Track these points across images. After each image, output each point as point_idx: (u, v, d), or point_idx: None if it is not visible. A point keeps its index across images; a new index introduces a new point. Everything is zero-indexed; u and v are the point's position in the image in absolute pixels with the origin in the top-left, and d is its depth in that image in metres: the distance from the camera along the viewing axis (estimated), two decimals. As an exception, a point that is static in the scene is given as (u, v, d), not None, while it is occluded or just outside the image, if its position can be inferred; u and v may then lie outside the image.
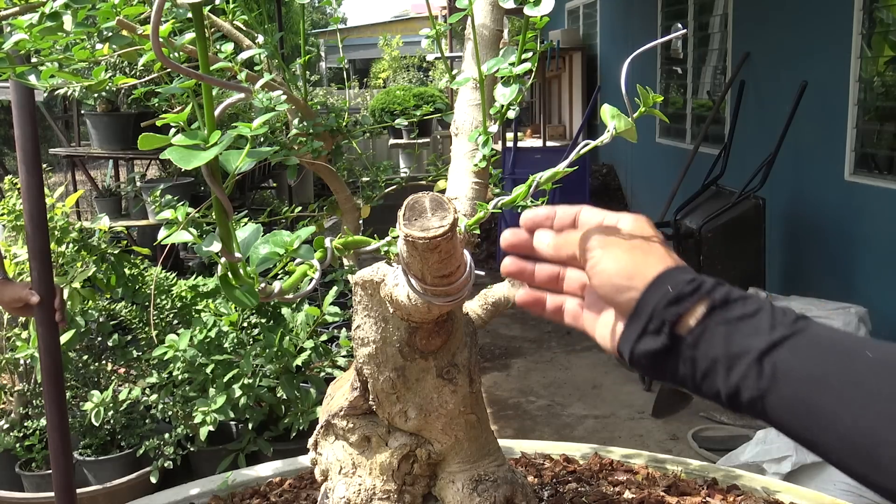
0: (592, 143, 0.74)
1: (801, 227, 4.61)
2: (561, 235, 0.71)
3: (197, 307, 3.03)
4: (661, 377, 0.64)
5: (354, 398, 1.01)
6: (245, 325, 2.91)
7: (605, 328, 0.69)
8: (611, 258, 0.65)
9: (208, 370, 2.68)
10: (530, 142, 8.90)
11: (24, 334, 2.85)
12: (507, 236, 0.73)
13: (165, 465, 2.80)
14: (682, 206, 4.67)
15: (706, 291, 0.61)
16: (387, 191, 1.55)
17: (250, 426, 2.89)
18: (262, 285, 0.70)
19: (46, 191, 2.05)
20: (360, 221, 1.48)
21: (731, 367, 0.59)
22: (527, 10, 0.75)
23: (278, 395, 2.77)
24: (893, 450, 0.53)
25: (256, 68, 1.29)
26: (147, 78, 1.33)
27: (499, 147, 6.70)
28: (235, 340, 2.83)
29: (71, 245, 2.85)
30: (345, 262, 1.43)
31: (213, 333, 2.71)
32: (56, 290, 1.96)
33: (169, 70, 1.10)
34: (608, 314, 0.68)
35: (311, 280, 0.74)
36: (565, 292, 0.73)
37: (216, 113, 0.58)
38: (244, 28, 1.28)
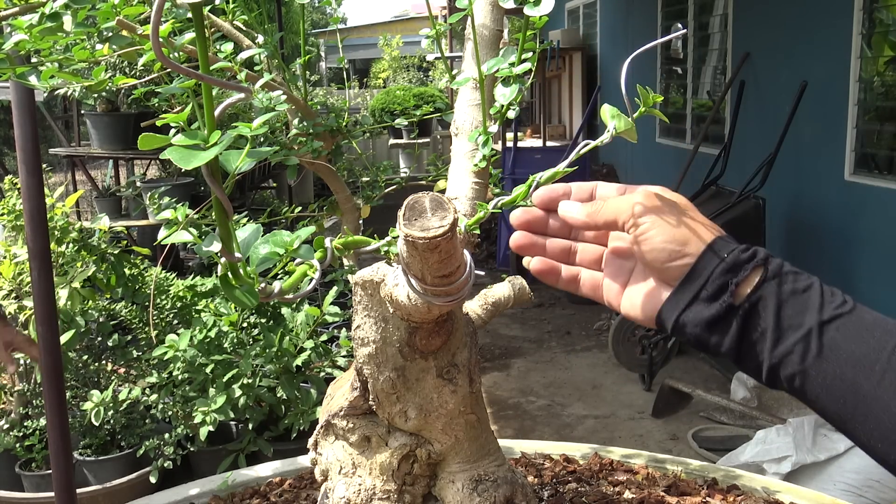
0: (592, 143, 0.74)
1: (801, 227, 4.62)
2: (595, 203, 0.70)
3: (197, 307, 3.03)
4: (703, 346, 0.64)
5: (354, 398, 1.01)
6: (245, 325, 2.91)
7: (636, 297, 0.69)
8: (664, 225, 0.66)
9: (208, 370, 2.68)
10: (530, 142, 8.90)
11: (24, 334, 2.85)
12: (519, 214, 0.74)
13: (165, 465, 2.80)
14: (682, 206, 4.66)
15: (761, 260, 0.62)
16: (387, 191, 1.55)
17: (250, 426, 2.89)
18: (262, 285, 0.70)
19: (46, 191, 2.05)
20: (360, 221, 1.48)
21: (779, 340, 0.60)
22: (527, 10, 0.75)
23: (278, 395, 2.77)
24: None
25: (256, 68, 1.29)
26: (147, 78, 1.33)
27: (499, 147, 6.70)
28: (235, 340, 2.83)
29: (71, 245, 2.85)
30: (345, 262, 1.43)
31: (213, 333, 2.71)
32: (10, 333, 1.93)
33: (169, 70, 1.10)
34: (639, 284, 0.69)
35: (311, 280, 0.74)
36: (578, 264, 0.74)
37: (216, 113, 0.58)
38: (244, 28, 1.28)
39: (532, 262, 0.75)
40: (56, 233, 2.82)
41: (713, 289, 0.63)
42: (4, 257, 2.89)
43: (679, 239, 0.65)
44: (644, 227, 0.66)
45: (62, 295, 2.73)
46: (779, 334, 0.60)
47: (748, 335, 0.62)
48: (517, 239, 0.74)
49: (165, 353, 2.61)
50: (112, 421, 2.88)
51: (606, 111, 0.73)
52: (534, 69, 0.85)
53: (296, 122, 1.31)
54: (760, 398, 3.83)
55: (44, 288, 1.91)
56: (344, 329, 3.25)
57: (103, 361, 3.08)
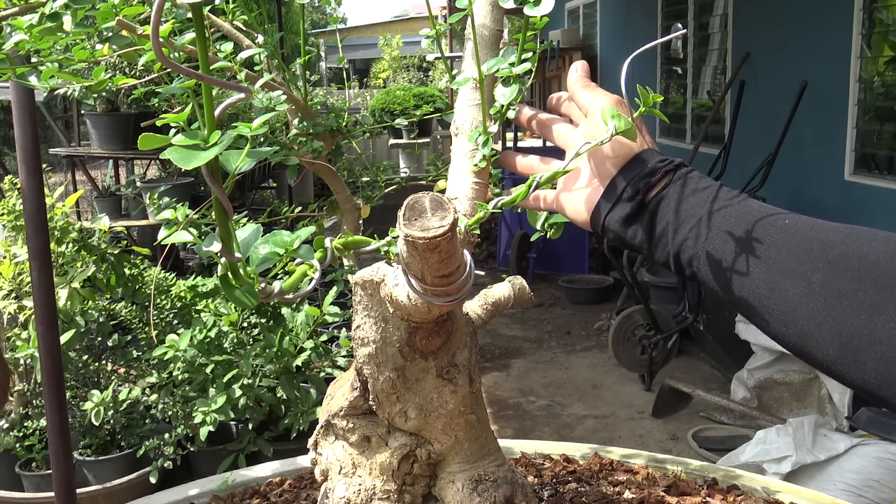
0: (593, 144, 0.74)
1: (801, 227, 4.61)
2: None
3: (197, 307, 3.03)
4: (627, 244, 0.74)
5: (354, 398, 1.01)
6: (245, 325, 2.91)
7: (579, 200, 0.78)
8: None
9: (208, 370, 2.68)
10: (530, 142, 8.90)
11: (24, 334, 2.85)
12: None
13: (165, 465, 2.80)
14: (682, 206, 4.66)
15: (672, 168, 0.72)
16: (387, 191, 1.55)
17: (250, 426, 2.89)
18: (262, 285, 0.70)
19: (46, 191, 2.05)
20: (360, 221, 1.48)
21: (678, 229, 0.69)
22: (527, 10, 0.75)
23: (278, 396, 2.77)
24: (785, 299, 0.62)
25: (256, 68, 1.29)
26: (147, 78, 1.33)
27: (499, 147, 6.70)
28: (235, 340, 2.83)
29: (71, 245, 2.85)
30: (345, 262, 1.43)
31: (213, 333, 2.71)
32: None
33: (169, 70, 1.10)
34: (580, 190, 0.79)
35: (311, 280, 0.74)
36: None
37: (216, 113, 0.58)
38: (244, 28, 1.28)
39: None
40: (56, 233, 2.82)
41: (632, 190, 0.72)
42: (4, 257, 2.89)
43: (624, 141, 0.74)
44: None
45: (62, 295, 2.73)
46: (677, 224, 0.69)
47: (655, 228, 0.71)
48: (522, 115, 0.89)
49: (165, 353, 2.61)
50: (112, 421, 2.88)
51: (606, 111, 0.73)
52: (534, 69, 0.85)
53: (296, 122, 1.31)
54: (760, 398, 3.83)
55: (44, 288, 1.91)
56: (344, 329, 3.25)
57: (103, 361, 3.08)
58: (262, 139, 1.26)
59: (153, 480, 2.82)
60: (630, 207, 0.72)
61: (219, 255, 0.66)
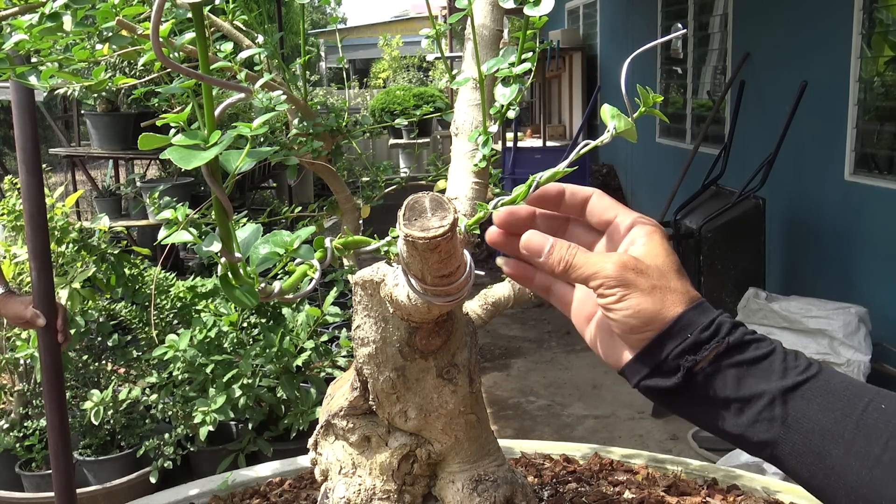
0: (592, 143, 0.74)
1: (801, 227, 4.62)
2: (563, 255, 0.66)
3: (197, 307, 3.03)
4: (669, 409, 0.64)
5: (354, 398, 1.01)
6: (245, 325, 2.91)
7: (600, 336, 0.68)
8: (631, 300, 0.63)
9: (208, 370, 2.68)
10: (530, 142, 8.90)
11: (24, 334, 2.85)
12: (501, 213, 0.71)
13: (165, 465, 2.80)
14: (682, 206, 4.67)
15: (723, 336, 0.60)
16: (387, 191, 1.55)
17: (250, 426, 2.89)
18: (262, 285, 0.70)
19: (46, 191, 2.05)
20: (360, 221, 1.48)
21: (742, 410, 0.59)
22: (527, 10, 0.75)
23: (278, 395, 2.77)
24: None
25: (256, 68, 1.29)
26: (147, 78, 1.33)
27: (499, 147, 6.71)
28: (235, 340, 2.83)
29: (71, 245, 2.85)
30: (345, 262, 1.43)
31: (212, 333, 2.71)
32: (59, 308, 1.94)
33: (169, 70, 1.10)
34: (604, 324, 0.67)
35: (311, 280, 0.74)
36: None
37: (216, 113, 0.58)
38: (244, 28, 1.28)
39: (505, 265, 0.72)
40: (56, 233, 2.82)
41: (673, 365, 0.61)
42: (4, 257, 2.89)
43: (644, 316, 0.62)
44: (611, 300, 0.63)
45: (62, 295, 2.73)
46: (741, 405, 0.59)
47: (708, 404, 0.60)
48: (493, 235, 0.72)
49: (165, 353, 2.61)
50: (112, 421, 2.89)
51: (606, 111, 0.73)
52: (534, 69, 0.85)
53: (296, 122, 1.31)
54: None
55: (44, 288, 1.91)
56: (344, 329, 3.25)
57: (103, 361, 3.08)
58: (262, 139, 1.26)
59: (153, 480, 2.82)
60: (672, 383, 0.61)
61: (219, 255, 0.66)
